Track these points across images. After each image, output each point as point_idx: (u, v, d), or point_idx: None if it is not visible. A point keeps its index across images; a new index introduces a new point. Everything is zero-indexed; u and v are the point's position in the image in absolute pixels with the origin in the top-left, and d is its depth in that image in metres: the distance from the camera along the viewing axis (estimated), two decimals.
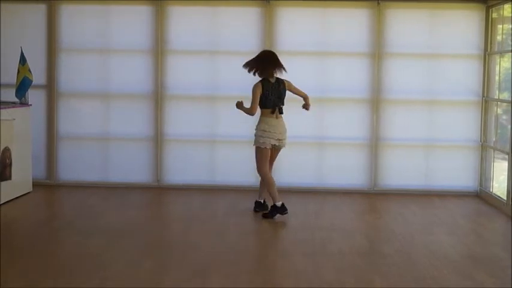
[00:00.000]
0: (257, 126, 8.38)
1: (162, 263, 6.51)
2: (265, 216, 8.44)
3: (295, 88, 8.57)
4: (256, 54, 8.59)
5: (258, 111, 8.40)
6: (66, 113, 10.20)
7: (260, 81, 8.36)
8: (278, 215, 8.33)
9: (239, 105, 8.43)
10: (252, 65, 8.38)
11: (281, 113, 8.38)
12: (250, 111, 8.31)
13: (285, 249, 7.17)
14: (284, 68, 8.43)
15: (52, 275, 6.07)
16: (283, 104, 8.40)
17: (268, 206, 8.59)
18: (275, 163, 8.73)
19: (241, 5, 10.08)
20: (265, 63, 8.38)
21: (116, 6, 10.14)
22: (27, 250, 6.81)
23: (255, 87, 8.31)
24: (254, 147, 8.40)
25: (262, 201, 8.75)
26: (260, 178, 8.55)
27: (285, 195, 9.23)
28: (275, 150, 8.47)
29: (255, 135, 8.37)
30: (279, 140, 8.36)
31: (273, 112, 8.31)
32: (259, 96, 8.26)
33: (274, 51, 9.43)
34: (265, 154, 8.35)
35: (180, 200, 9.50)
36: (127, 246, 7.04)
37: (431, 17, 10.02)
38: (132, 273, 6.17)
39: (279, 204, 8.31)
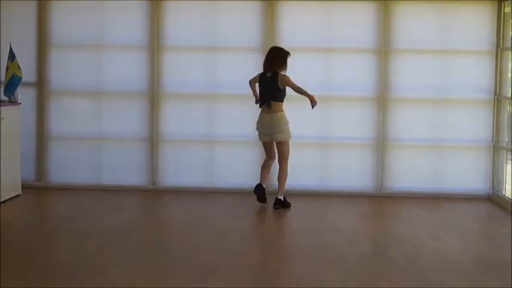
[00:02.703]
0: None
1: (159, 267, 6.36)
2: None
3: (292, 84, 8.81)
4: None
5: None
6: (57, 111, 10.03)
7: (258, 73, 9.00)
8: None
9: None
10: None
11: (269, 107, 8.76)
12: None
13: (287, 253, 7.06)
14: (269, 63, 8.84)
15: (44, 281, 5.90)
16: (271, 99, 8.75)
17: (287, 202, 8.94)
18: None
19: None
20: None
21: (109, 0, 9.96)
22: (17, 255, 6.65)
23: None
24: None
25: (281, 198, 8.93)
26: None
27: (288, 198, 9.22)
28: (275, 144, 8.90)
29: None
30: (267, 134, 8.82)
31: (261, 106, 8.87)
32: (253, 82, 9.01)
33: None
34: (264, 146, 8.99)
35: (176, 203, 9.36)
36: (121, 251, 6.90)
37: (440, 12, 9.82)
38: (127, 278, 6.01)
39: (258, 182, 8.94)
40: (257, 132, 8.91)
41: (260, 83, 8.85)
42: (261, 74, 8.86)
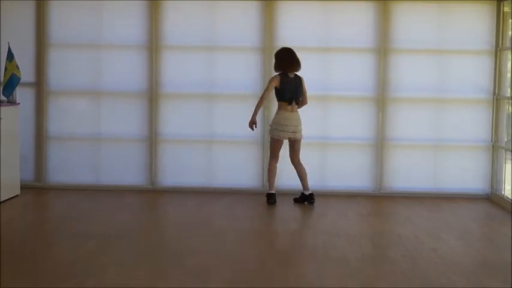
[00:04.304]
0: (274, 117, 8.95)
1: (158, 268, 6.28)
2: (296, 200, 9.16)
3: (303, 90, 9.02)
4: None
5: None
6: (56, 112, 9.94)
7: (278, 74, 8.91)
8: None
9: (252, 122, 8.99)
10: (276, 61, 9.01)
11: (297, 105, 8.96)
12: (260, 100, 8.91)
13: (286, 254, 6.94)
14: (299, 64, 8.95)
15: (43, 281, 5.84)
16: (298, 98, 8.91)
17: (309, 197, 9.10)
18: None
19: None
20: (282, 59, 8.95)
21: (108, 0, 9.86)
22: (15, 256, 6.57)
23: (272, 78, 8.98)
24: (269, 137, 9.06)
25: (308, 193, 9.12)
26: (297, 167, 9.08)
27: (287, 198, 9.27)
28: (293, 142, 8.98)
29: (270, 126, 8.99)
30: (294, 132, 8.87)
31: (289, 104, 8.85)
32: (273, 87, 8.86)
33: (275, 47, 9.55)
34: (279, 145, 8.95)
35: (175, 203, 9.25)
36: (120, 251, 6.82)
37: (440, 11, 9.77)
38: (125, 280, 5.93)
39: (272, 191, 9.03)
40: (276, 131, 8.86)
41: (283, 83, 8.80)
42: (281, 74, 8.88)
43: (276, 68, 8.93)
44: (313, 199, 8.99)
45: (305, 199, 9.03)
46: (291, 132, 8.83)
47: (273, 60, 8.99)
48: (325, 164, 9.84)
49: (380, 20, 9.70)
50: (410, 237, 7.50)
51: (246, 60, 9.70)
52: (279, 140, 8.88)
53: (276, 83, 8.81)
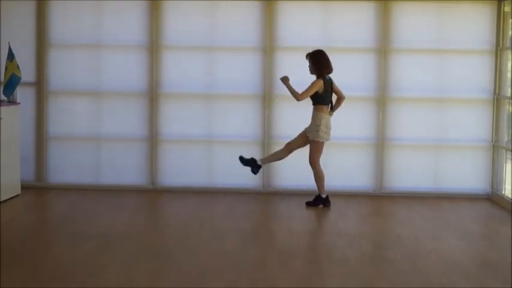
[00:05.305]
0: (320, 121, 8.65)
1: (158, 268, 6.26)
2: (308, 204, 8.95)
3: (336, 87, 8.94)
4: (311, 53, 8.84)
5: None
6: (56, 112, 9.92)
7: (321, 79, 8.69)
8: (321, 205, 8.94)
9: (285, 80, 8.74)
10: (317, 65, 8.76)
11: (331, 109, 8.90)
12: (298, 96, 8.64)
13: (287, 255, 6.89)
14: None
15: (43, 281, 5.84)
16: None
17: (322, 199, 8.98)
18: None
19: None
20: (322, 62, 8.78)
21: (108, 0, 9.84)
22: (15, 256, 6.57)
23: (316, 81, 8.67)
24: (311, 140, 8.77)
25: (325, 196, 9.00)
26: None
27: (286, 199, 9.33)
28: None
29: (317, 129, 8.67)
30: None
31: (330, 109, 8.84)
32: (314, 91, 8.63)
33: (276, 47, 9.67)
34: (322, 148, 8.83)
35: (175, 203, 9.24)
36: (121, 251, 6.82)
37: (440, 11, 9.75)
38: (125, 280, 5.93)
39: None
40: (324, 134, 8.71)
41: (327, 86, 8.70)
42: (323, 78, 8.71)
43: (315, 71, 8.71)
44: (328, 202, 8.90)
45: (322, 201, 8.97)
46: (330, 135, 8.79)
47: (307, 63, 8.77)
48: (325, 164, 9.60)
49: (380, 20, 9.68)
50: (411, 237, 7.49)
51: (246, 61, 9.69)
52: (324, 142, 8.78)
53: (319, 89, 8.62)
